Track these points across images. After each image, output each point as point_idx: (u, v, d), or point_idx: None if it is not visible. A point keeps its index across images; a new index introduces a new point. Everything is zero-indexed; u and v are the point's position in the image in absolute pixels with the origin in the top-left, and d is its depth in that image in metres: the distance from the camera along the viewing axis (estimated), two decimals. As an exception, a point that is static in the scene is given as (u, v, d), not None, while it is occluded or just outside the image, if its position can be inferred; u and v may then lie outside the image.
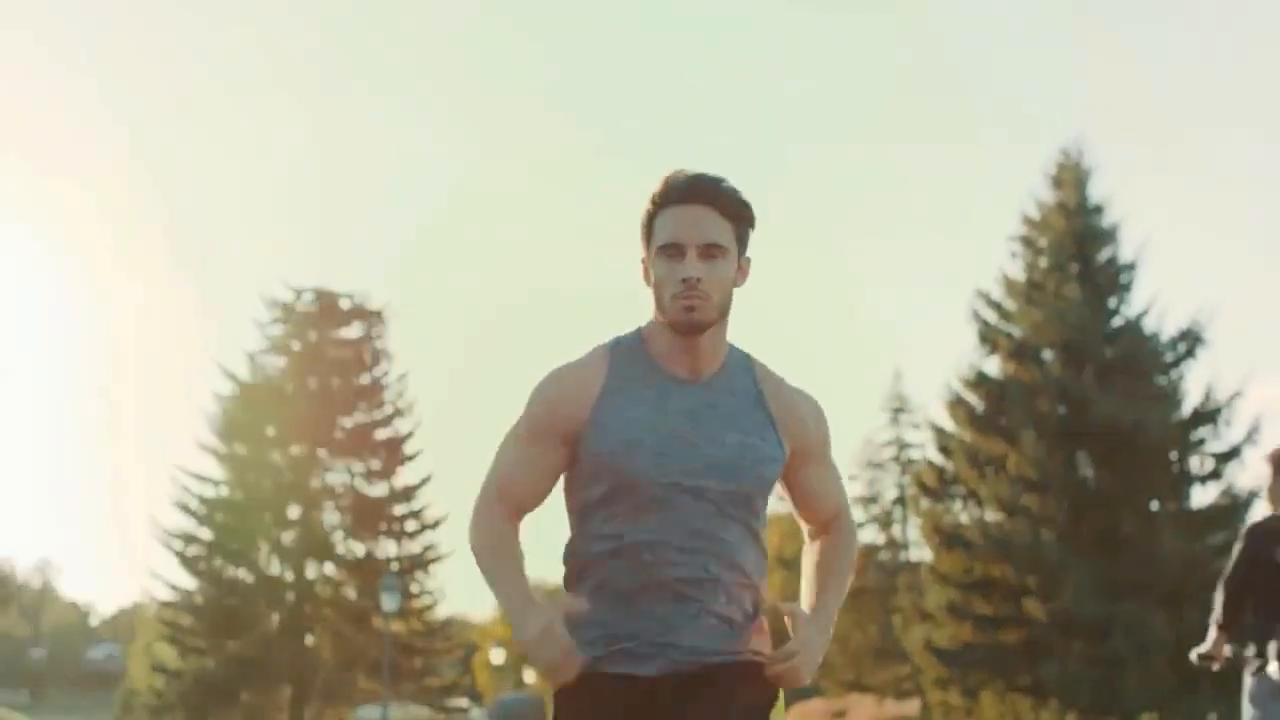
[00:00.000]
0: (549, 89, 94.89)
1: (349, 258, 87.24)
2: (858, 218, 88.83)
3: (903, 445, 46.56)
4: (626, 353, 2.98)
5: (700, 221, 2.88)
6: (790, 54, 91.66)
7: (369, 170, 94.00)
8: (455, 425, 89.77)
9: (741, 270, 2.97)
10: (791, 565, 30.76)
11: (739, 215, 2.93)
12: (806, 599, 3.07)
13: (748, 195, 2.98)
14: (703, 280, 2.86)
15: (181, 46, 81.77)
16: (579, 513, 2.97)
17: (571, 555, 3.00)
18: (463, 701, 39.19)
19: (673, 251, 2.88)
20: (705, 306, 2.87)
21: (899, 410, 46.95)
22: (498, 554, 2.98)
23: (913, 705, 38.26)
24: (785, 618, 2.98)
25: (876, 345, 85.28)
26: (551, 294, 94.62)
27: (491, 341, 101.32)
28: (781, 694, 2.96)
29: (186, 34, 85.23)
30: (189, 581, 35.10)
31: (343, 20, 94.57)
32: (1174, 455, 28.13)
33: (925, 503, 31.61)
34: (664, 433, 2.90)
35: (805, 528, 3.20)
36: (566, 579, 3.01)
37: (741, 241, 2.95)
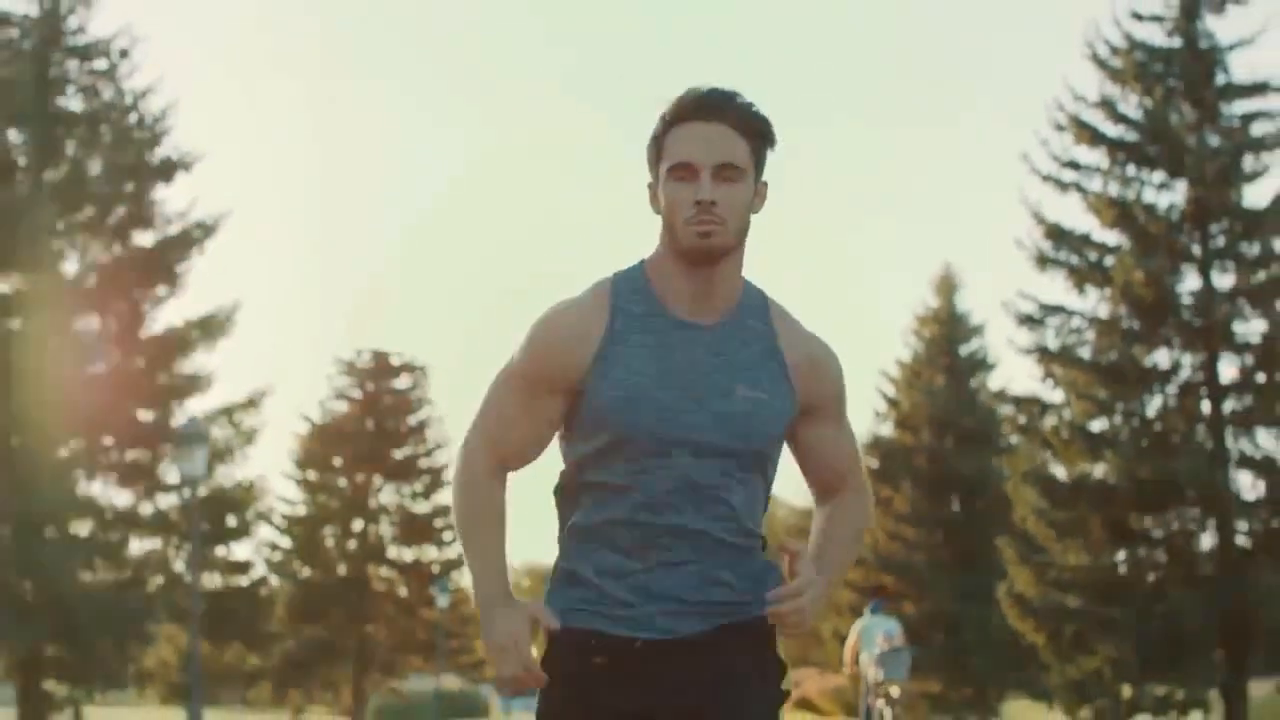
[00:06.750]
0: (556, 76, 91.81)
1: (350, 254, 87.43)
2: (854, 201, 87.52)
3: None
4: (628, 292, 2.67)
5: (715, 140, 2.58)
6: (798, 39, 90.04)
7: (372, 159, 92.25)
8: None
9: (759, 194, 2.66)
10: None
11: (757, 133, 2.63)
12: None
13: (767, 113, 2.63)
14: (718, 203, 2.56)
15: (182, 34, 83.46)
16: (576, 463, 2.71)
17: (565, 502, 2.75)
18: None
19: (684, 172, 2.58)
20: (721, 231, 2.57)
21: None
22: (479, 524, 2.70)
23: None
24: (783, 556, 2.61)
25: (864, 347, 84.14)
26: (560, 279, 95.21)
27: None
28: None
29: (187, 21, 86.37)
30: (274, 581, 41.05)
31: (348, 7, 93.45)
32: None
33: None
34: (668, 385, 2.61)
35: (811, 489, 2.87)
36: (561, 524, 2.75)
37: (759, 162, 2.65)
